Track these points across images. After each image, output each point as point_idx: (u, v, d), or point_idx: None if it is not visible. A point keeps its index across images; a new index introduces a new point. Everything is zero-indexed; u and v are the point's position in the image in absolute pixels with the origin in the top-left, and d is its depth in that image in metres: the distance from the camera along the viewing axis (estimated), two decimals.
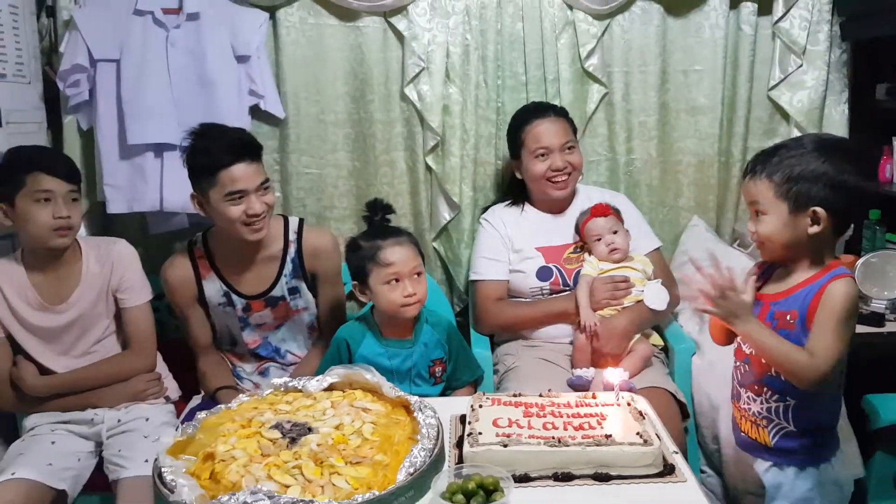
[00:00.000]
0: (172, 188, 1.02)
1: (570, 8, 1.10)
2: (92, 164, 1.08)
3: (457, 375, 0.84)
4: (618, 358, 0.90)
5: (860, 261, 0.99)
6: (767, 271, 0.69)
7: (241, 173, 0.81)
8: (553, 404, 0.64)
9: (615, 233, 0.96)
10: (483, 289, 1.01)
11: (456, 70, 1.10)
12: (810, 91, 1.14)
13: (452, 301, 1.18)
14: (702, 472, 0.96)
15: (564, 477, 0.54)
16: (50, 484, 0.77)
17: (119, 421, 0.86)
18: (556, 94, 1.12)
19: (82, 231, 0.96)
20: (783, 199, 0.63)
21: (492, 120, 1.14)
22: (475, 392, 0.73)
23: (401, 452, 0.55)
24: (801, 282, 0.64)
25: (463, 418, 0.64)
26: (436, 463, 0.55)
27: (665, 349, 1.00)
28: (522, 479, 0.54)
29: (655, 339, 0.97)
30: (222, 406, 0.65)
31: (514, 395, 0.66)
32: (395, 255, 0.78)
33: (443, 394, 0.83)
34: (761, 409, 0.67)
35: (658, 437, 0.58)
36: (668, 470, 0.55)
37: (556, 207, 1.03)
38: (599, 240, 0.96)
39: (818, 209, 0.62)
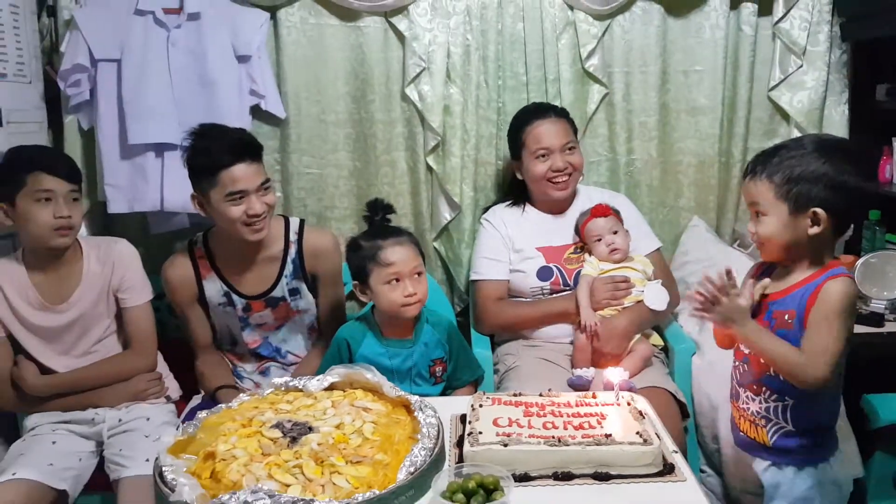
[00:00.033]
0: (173, 188, 1.02)
1: (571, 8, 1.11)
2: (93, 164, 1.08)
3: (457, 375, 0.85)
4: (618, 358, 0.90)
5: (860, 261, 0.99)
6: (767, 271, 0.69)
7: (241, 173, 0.81)
8: (553, 404, 0.64)
9: (615, 233, 0.96)
10: (484, 288, 1.01)
11: (457, 70, 1.10)
12: (810, 92, 1.14)
13: (453, 301, 1.18)
14: (701, 471, 0.96)
15: (564, 476, 0.55)
16: (51, 484, 0.77)
17: (120, 420, 0.86)
18: (557, 94, 1.12)
19: (83, 231, 0.96)
20: (783, 200, 0.63)
21: (492, 120, 1.14)
22: (475, 392, 0.73)
23: (401, 452, 0.55)
24: (799, 281, 0.65)
25: (463, 418, 0.64)
26: (436, 462, 0.55)
27: (665, 349, 1.00)
28: (522, 478, 0.54)
29: (655, 339, 0.97)
30: (223, 405, 0.66)
31: (515, 395, 0.66)
32: (396, 254, 0.79)
33: (443, 393, 0.83)
34: (760, 408, 0.67)
35: (658, 436, 0.58)
36: (667, 469, 0.56)
37: (557, 208, 1.04)
38: (599, 240, 0.96)
39: (818, 210, 0.62)
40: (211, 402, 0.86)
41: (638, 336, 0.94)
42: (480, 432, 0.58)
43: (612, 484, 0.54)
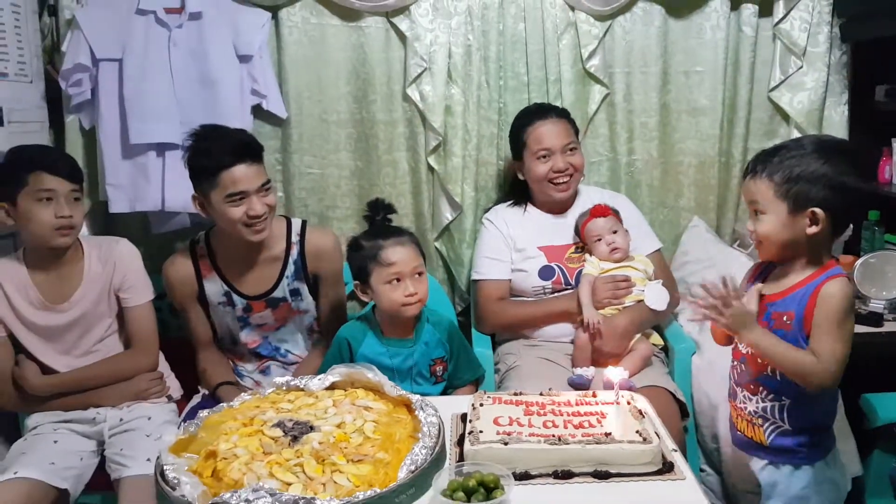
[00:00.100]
0: (174, 188, 1.03)
1: (572, 9, 1.11)
2: (94, 164, 1.08)
3: (458, 374, 0.85)
4: (618, 357, 0.91)
5: (859, 261, 0.99)
6: (764, 272, 0.70)
7: (241, 174, 0.81)
8: (553, 403, 0.64)
9: (615, 233, 0.96)
10: (485, 288, 1.02)
11: (458, 70, 1.10)
12: (810, 92, 1.14)
13: (454, 301, 1.18)
14: (701, 470, 0.97)
15: (564, 474, 0.55)
16: (52, 483, 0.77)
17: (121, 420, 0.86)
18: (558, 94, 1.12)
19: (84, 230, 0.97)
20: (783, 199, 0.63)
21: (493, 120, 1.14)
22: (476, 391, 0.74)
23: (402, 450, 0.56)
24: (798, 282, 0.65)
25: (464, 417, 0.65)
26: (437, 461, 0.55)
27: (665, 349, 1.00)
28: (523, 476, 0.55)
29: (655, 338, 0.98)
30: (224, 404, 0.66)
31: (515, 394, 0.66)
32: (397, 254, 0.79)
33: (444, 393, 0.83)
34: (757, 408, 0.67)
35: (657, 435, 0.58)
36: (666, 468, 0.56)
37: (558, 208, 1.04)
38: (599, 240, 0.96)
39: (817, 210, 0.63)
40: (212, 400, 0.86)
41: (638, 335, 0.94)
42: (481, 431, 0.58)
43: (611, 482, 0.54)
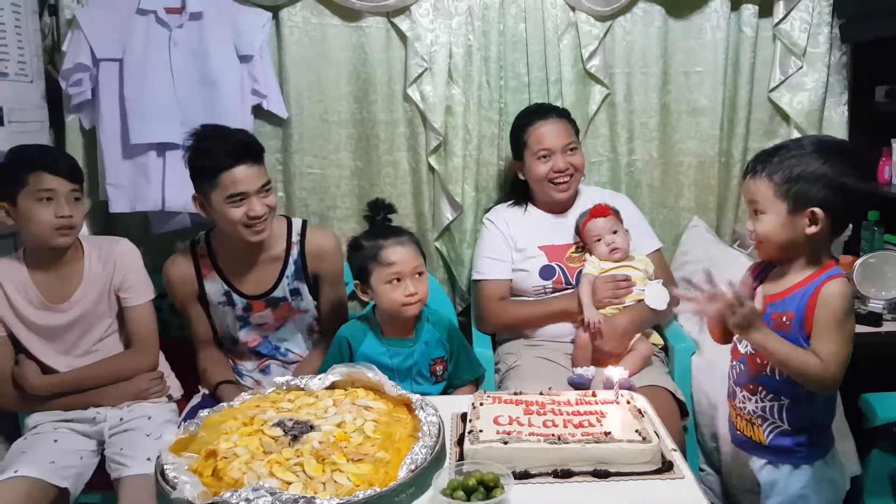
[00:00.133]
0: (175, 188, 1.03)
1: (573, 9, 1.11)
2: (94, 164, 1.08)
3: (458, 374, 0.85)
4: (618, 356, 0.91)
5: (858, 261, 0.99)
6: (763, 272, 0.70)
7: (242, 175, 0.81)
8: (553, 402, 0.64)
9: (615, 233, 0.96)
10: (486, 288, 1.02)
11: (458, 71, 1.10)
12: (810, 93, 1.14)
13: (455, 300, 1.18)
14: (701, 470, 0.97)
15: (564, 473, 0.55)
16: (52, 482, 0.77)
17: (121, 419, 0.86)
18: (559, 95, 1.12)
19: (84, 230, 0.96)
20: (782, 199, 0.63)
21: (494, 120, 1.14)
22: (476, 391, 0.74)
23: (402, 450, 0.56)
24: (797, 283, 0.65)
25: (464, 416, 0.65)
26: (437, 460, 0.55)
27: (665, 348, 1.00)
28: (522, 475, 0.55)
29: (655, 338, 0.98)
30: (224, 404, 0.66)
31: (515, 394, 0.67)
32: (397, 254, 0.79)
33: (444, 392, 0.84)
34: (756, 407, 0.67)
35: (657, 434, 0.58)
36: (666, 467, 0.56)
37: (559, 207, 1.04)
38: (599, 240, 0.96)
39: (816, 210, 0.63)
40: (212, 400, 0.86)
41: (638, 335, 0.94)
42: (481, 430, 0.58)
43: (611, 481, 0.55)
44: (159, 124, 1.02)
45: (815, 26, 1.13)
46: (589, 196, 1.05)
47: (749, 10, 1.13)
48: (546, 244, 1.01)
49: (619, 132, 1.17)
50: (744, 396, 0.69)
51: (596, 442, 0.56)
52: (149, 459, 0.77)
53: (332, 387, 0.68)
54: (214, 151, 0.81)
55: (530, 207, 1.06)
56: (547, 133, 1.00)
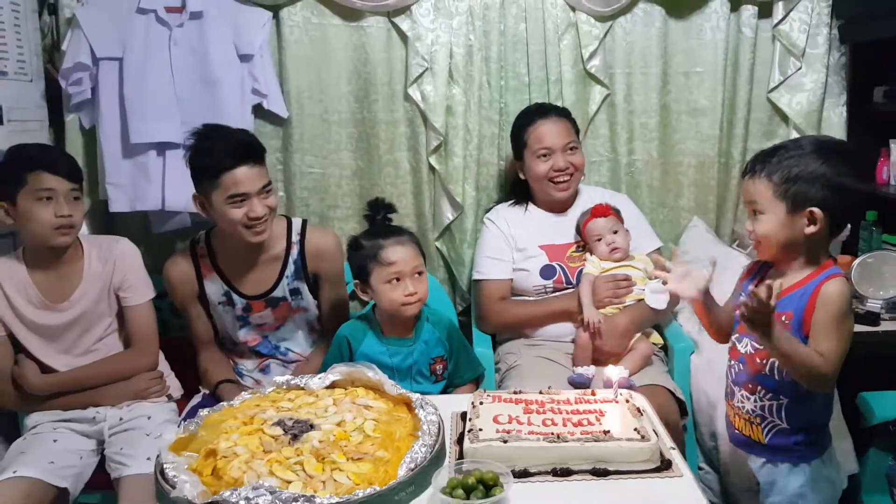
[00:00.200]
0: (175, 187, 1.03)
1: (573, 9, 1.11)
2: (94, 163, 1.08)
3: (458, 373, 0.85)
4: (619, 356, 0.91)
5: (857, 261, 1.00)
6: (760, 272, 0.70)
7: (243, 176, 0.81)
8: (553, 401, 0.65)
9: (615, 232, 0.97)
10: (486, 288, 1.02)
11: (459, 70, 1.11)
12: (809, 93, 1.15)
13: (455, 300, 1.19)
14: (700, 469, 0.97)
15: (563, 472, 0.55)
16: (51, 482, 0.77)
17: (121, 419, 0.86)
18: (559, 95, 1.13)
19: (84, 230, 0.97)
20: (781, 199, 0.64)
21: (495, 120, 1.15)
22: (477, 390, 0.74)
23: (402, 448, 0.56)
24: (796, 283, 0.65)
25: (464, 415, 0.65)
26: (436, 459, 0.55)
27: (665, 348, 1.01)
28: (522, 474, 0.55)
29: (655, 337, 0.98)
30: (224, 403, 0.66)
31: (515, 392, 0.67)
32: (397, 254, 0.79)
33: (444, 392, 0.84)
34: (755, 407, 0.68)
35: (655, 433, 0.59)
36: (664, 465, 0.56)
37: (559, 207, 1.04)
38: (600, 240, 0.97)
39: (815, 210, 0.63)
40: (212, 399, 0.86)
41: (638, 335, 0.94)
42: (480, 429, 0.58)
43: (610, 480, 0.55)
44: (159, 124, 1.02)
45: (814, 27, 1.13)
46: (589, 196, 1.05)
47: (748, 11, 1.13)
48: (546, 244, 1.01)
49: (618, 132, 1.17)
50: (742, 396, 0.69)
51: (595, 440, 0.56)
52: (149, 459, 0.77)
53: (332, 386, 0.68)
54: (216, 151, 0.81)
55: (531, 207, 1.06)
56: (547, 132, 1.00)
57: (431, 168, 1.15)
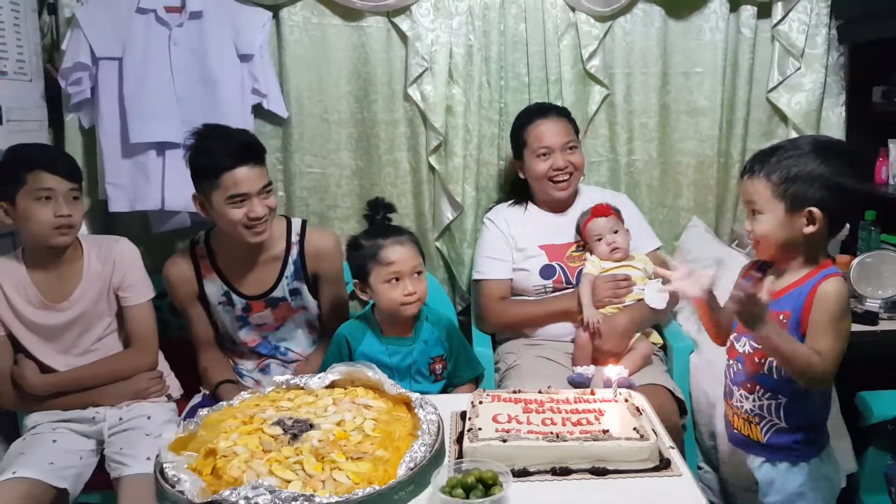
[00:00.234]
0: (174, 187, 1.03)
1: (573, 10, 1.11)
2: (93, 163, 1.08)
3: (458, 373, 0.85)
4: (618, 356, 0.91)
5: (855, 260, 1.00)
6: (758, 271, 0.70)
7: (243, 176, 0.81)
8: (552, 400, 0.65)
9: (616, 232, 0.97)
10: (486, 288, 1.02)
11: (459, 70, 1.11)
12: (808, 93, 1.15)
13: (455, 300, 1.19)
14: (699, 468, 0.97)
15: (562, 471, 0.55)
16: (51, 482, 0.77)
17: (121, 419, 0.86)
18: (559, 95, 1.13)
19: (84, 230, 0.96)
20: (780, 199, 0.64)
21: (494, 120, 1.15)
22: (476, 389, 0.74)
23: (401, 448, 0.56)
24: (794, 282, 0.65)
25: (463, 415, 0.65)
26: (436, 458, 0.55)
27: (664, 347, 1.01)
28: (521, 473, 0.55)
29: (655, 337, 0.98)
30: (224, 403, 0.66)
31: (514, 392, 0.67)
32: (396, 254, 0.79)
33: (444, 391, 0.84)
34: (753, 406, 0.68)
35: (654, 432, 0.59)
36: (663, 464, 0.56)
37: (559, 207, 1.04)
38: (600, 239, 0.97)
39: (814, 209, 0.63)
40: (212, 400, 0.86)
41: (638, 334, 0.95)
42: (480, 428, 0.58)
43: (609, 479, 0.55)
44: (159, 123, 1.02)
45: (813, 27, 1.13)
46: (589, 196, 1.05)
47: (748, 12, 1.14)
48: (546, 243, 1.01)
49: (618, 132, 1.17)
50: (741, 395, 0.69)
51: (594, 440, 0.56)
52: (148, 459, 0.77)
53: (332, 385, 0.68)
54: (216, 151, 0.81)
55: (530, 207, 1.06)
56: (546, 131, 1.00)
57: (431, 168, 1.15)
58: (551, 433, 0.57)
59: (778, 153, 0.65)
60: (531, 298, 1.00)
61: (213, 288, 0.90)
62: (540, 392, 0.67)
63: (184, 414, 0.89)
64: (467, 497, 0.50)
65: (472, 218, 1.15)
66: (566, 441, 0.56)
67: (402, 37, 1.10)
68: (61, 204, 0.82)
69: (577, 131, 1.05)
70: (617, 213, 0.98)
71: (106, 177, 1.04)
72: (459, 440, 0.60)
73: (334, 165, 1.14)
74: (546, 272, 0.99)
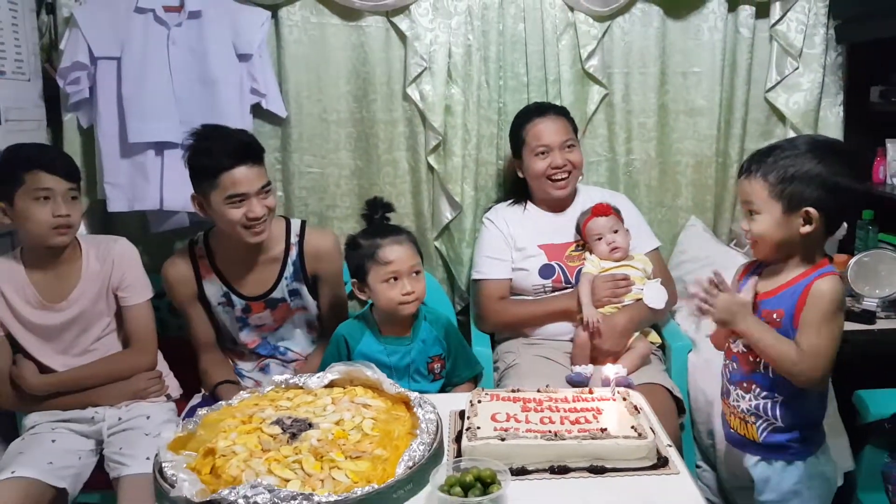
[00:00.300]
0: (173, 187, 1.03)
1: (571, 9, 1.11)
2: (92, 163, 1.08)
3: (456, 372, 0.85)
4: (617, 355, 0.91)
5: (853, 260, 1.00)
6: (756, 270, 0.70)
7: (242, 176, 0.81)
8: (550, 399, 0.65)
9: (615, 232, 0.97)
10: (486, 287, 1.02)
11: (458, 70, 1.11)
12: (806, 93, 1.15)
13: (454, 300, 1.19)
14: (697, 466, 0.97)
15: (560, 470, 0.55)
16: (50, 482, 0.77)
17: (120, 419, 0.86)
18: (557, 94, 1.13)
19: (82, 229, 0.96)
20: (777, 199, 0.64)
21: (493, 120, 1.15)
22: (475, 389, 0.74)
23: (400, 447, 0.56)
24: (789, 280, 0.65)
25: (462, 414, 0.65)
26: (435, 457, 0.56)
27: (662, 347, 1.01)
28: (519, 471, 0.55)
29: (653, 336, 0.98)
30: (223, 402, 0.66)
31: (513, 391, 0.67)
32: (394, 253, 0.79)
33: (443, 390, 0.84)
34: (750, 405, 0.68)
35: (652, 430, 0.59)
36: (661, 463, 0.56)
37: (558, 206, 1.05)
38: (600, 239, 0.97)
39: (811, 209, 0.63)
40: (211, 400, 0.86)
41: (637, 334, 0.95)
42: (478, 427, 0.59)
43: (607, 477, 0.55)
44: (158, 123, 1.02)
45: (810, 27, 1.13)
46: (588, 195, 1.06)
47: (746, 12, 1.14)
48: (545, 243, 1.01)
49: (617, 132, 1.17)
50: (738, 395, 0.69)
51: (592, 438, 0.56)
52: (148, 459, 0.77)
53: (331, 385, 0.68)
54: (215, 151, 0.81)
55: (530, 206, 1.06)
56: (545, 130, 1.00)
57: (430, 168, 1.15)
58: (550, 432, 0.57)
59: (775, 153, 0.65)
60: (530, 298, 1.01)
61: (213, 289, 0.90)
62: (538, 391, 0.67)
63: (183, 414, 0.90)
64: (466, 495, 0.50)
65: (471, 217, 1.15)
66: (564, 440, 0.56)
67: (401, 36, 1.10)
68: (60, 204, 0.82)
69: (575, 130, 1.05)
70: (617, 212, 0.99)
71: (104, 177, 1.04)
72: (458, 439, 0.60)
73: (333, 165, 1.14)
74: (545, 272, 1.00)
